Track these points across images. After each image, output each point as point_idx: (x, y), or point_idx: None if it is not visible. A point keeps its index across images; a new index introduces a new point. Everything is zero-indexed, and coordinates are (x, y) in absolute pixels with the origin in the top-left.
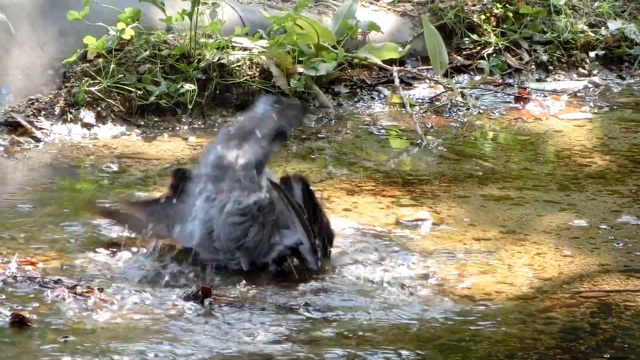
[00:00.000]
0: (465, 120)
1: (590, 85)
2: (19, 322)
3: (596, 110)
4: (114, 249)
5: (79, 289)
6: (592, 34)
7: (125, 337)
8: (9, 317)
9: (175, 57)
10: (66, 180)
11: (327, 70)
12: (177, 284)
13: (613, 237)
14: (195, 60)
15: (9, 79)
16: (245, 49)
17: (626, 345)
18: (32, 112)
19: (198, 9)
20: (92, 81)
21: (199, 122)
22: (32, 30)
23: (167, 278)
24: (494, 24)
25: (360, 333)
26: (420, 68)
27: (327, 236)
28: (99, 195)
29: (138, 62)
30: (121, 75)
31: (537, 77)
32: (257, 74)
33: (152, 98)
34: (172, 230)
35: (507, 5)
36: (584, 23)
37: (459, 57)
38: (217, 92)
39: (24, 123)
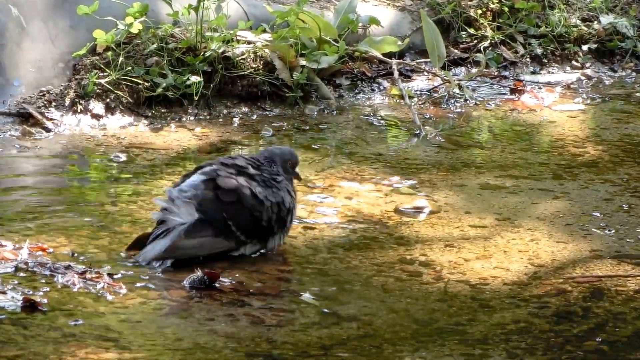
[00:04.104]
0: (462, 111)
1: (583, 78)
2: (30, 307)
3: (589, 102)
4: (122, 235)
5: (88, 275)
6: (585, 28)
7: (134, 320)
8: (21, 302)
9: (181, 50)
10: (76, 169)
11: (329, 63)
12: (183, 270)
13: (605, 224)
14: (201, 53)
15: (21, 72)
16: (249, 43)
17: (617, 329)
18: (43, 103)
19: (204, 4)
20: (101, 73)
21: (205, 113)
22: (44, 25)
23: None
24: (490, 18)
25: (361, 317)
26: (418, 61)
27: None
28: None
29: (146, 55)
30: (129, 68)
31: (531, 70)
32: (261, 66)
33: (160, 90)
34: None
35: (502, 0)
36: (577, 17)
37: (456, 50)
38: (222, 84)
39: (35, 114)
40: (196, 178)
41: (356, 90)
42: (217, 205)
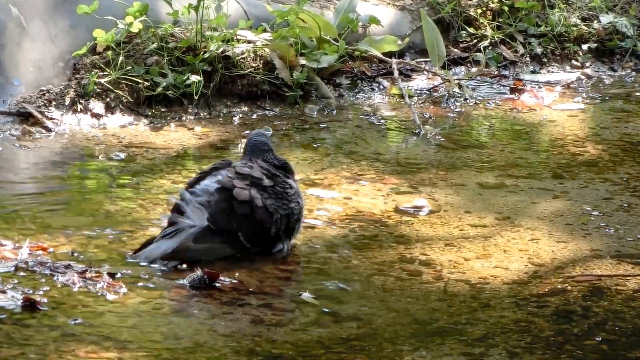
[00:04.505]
0: (462, 110)
1: (582, 77)
2: (30, 306)
3: (588, 101)
4: (122, 235)
5: (88, 274)
6: (585, 27)
7: (134, 320)
8: (21, 301)
9: (181, 49)
10: (76, 168)
11: (329, 62)
12: (184, 269)
13: (605, 224)
14: (201, 53)
15: (21, 71)
16: (249, 42)
17: (617, 328)
18: (43, 102)
19: (204, 3)
20: (101, 73)
21: (205, 113)
22: (44, 24)
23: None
24: (490, 17)
25: (361, 316)
26: (418, 60)
27: None
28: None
29: (146, 54)
30: (129, 67)
31: (531, 69)
32: (261, 65)
33: (159, 89)
34: None
35: None
36: (577, 17)
37: (456, 50)
38: (222, 83)
39: (35, 113)
40: (210, 184)
41: (356, 90)
42: (229, 216)
